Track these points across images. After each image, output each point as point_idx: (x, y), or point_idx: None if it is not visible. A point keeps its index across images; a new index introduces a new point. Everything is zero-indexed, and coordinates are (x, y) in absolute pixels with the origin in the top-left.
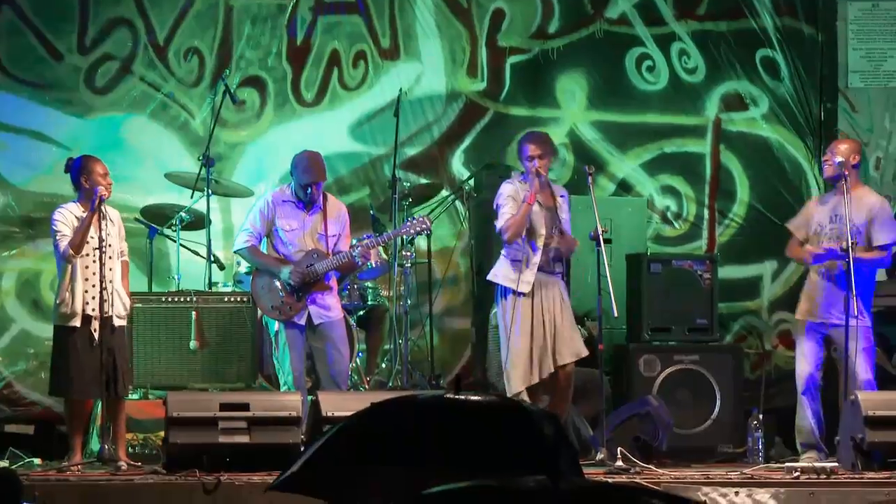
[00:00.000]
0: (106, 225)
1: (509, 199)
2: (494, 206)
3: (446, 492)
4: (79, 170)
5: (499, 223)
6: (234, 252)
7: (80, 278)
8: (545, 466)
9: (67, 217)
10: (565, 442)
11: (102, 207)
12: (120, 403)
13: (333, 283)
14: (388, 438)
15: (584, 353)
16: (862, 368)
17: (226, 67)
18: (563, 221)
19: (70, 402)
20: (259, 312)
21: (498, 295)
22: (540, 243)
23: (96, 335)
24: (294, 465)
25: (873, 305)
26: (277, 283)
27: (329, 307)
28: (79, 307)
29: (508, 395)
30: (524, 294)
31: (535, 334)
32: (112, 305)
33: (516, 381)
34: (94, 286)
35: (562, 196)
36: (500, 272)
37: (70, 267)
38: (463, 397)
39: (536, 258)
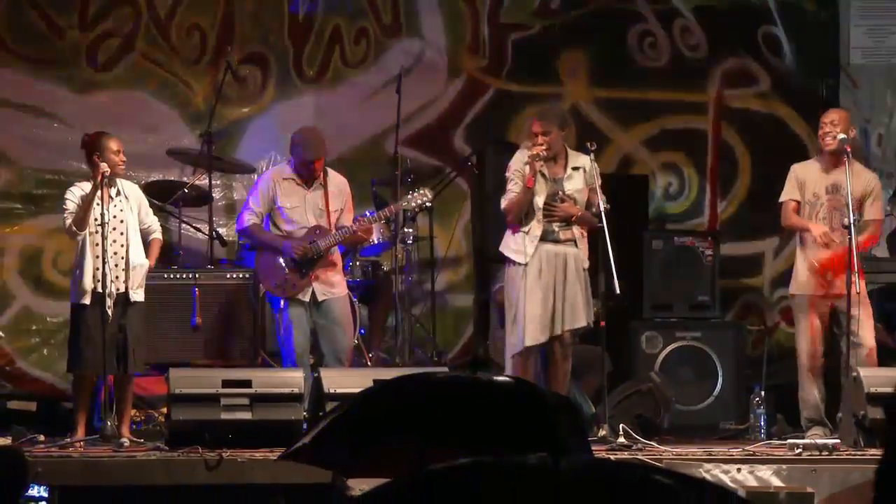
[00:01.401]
0: (120, 201)
1: (516, 173)
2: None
3: (449, 467)
4: (92, 146)
5: (503, 201)
6: (237, 231)
7: (90, 256)
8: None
9: (77, 195)
10: (573, 420)
11: (118, 183)
12: (128, 381)
13: (338, 258)
14: (399, 414)
15: (581, 324)
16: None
17: (228, 44)
18: (577, 192)
19: (78, 377)
20: (262, 289)
21: (505, 265)
22: (539, 215)
23: (110, 312)
24: (306, 437)
25: (875, 282)
26: (281, 261)
27: (333, 284)
28: (88, 284)
29: (507, 368)
30: (525, 264)
31: (534, 305)
32: (126, 280)
33: (509, 350)
34: (104, 262)
35: (575, 169)
36: (506, 243)
37: (80, 244)
38: (476, 377)
39: (537, 230)
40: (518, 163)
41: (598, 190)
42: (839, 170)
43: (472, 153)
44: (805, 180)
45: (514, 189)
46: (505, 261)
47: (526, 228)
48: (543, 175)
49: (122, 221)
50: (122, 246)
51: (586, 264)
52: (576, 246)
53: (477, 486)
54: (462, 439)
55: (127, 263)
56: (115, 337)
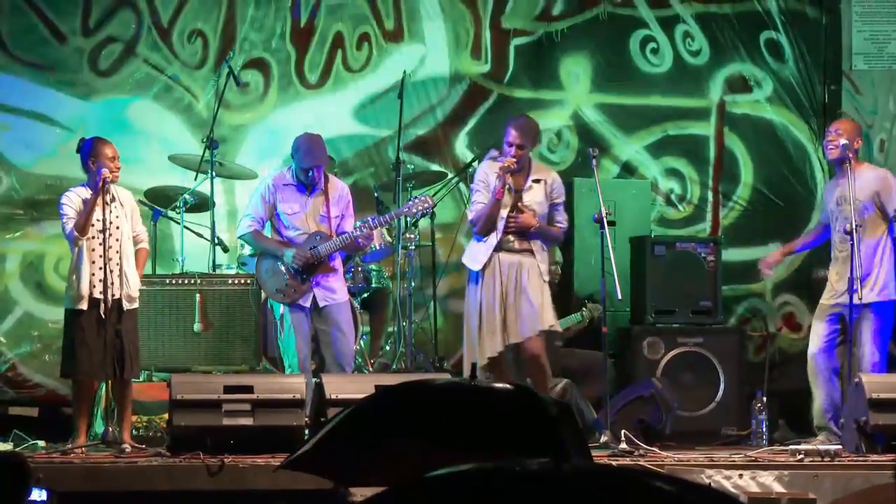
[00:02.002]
0: (115, 207)
1: (481, 184)
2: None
3: (450, 473)
4: (88, 152)
5: (470, 212)
6: (238, 238)
7: (87, 261)
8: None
9: (74, 200)
10: (573, 427)
11: (112, 189)
12: (127, 386)
13: (338, 264)
14: (400, 420)
15: (537, 330)
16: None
17: (230, 49)
18: (536, 203)
19: (77, 383)
20: (263, 295)
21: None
22: (500, 225)
23: (104, 316)
24: (306, 445)
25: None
26: (282, 267)
27: (334, 290)
28: (85, 290)
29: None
30: (482, 272)
31: (489, 315)
32: (121, 287)
33: (467, 361)
34: (100, 269)
35: (536, 181)
36: (467, 253)
37: (77, 250)
38: (476, 383)
39: (494, 238)
40: (484, 174)
41: (562, 207)
42: (845, 179)
43: (475, 159)
44: (827, 200)
45: (481, 200)
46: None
47: (485, 238)
48: (508, 188)
49: (117, 228)
50: (117, 252)
51: (546, 276)
52: (532, 256)
53: (478, 491)
54: (463, 445)
55: (121, 270)
56: (112, 342)
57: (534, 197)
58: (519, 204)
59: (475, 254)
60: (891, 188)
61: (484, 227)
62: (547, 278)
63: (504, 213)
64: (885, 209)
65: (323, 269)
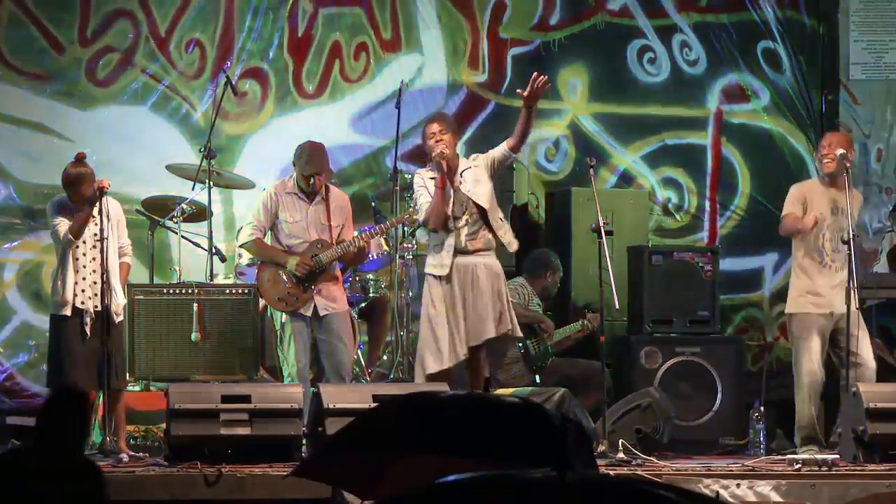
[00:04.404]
0: (102, 220)
1: (422, 189)
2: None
3: (455, 482)
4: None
5: (421, 214)
6: (240, 246)
7: (71, 269)
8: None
9: (63, 207)
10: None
11: (103, 200)
12: (117, 395)
13: (339, 273)
14: (407, 431)
15: (489, 335)
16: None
17: (227, 59)
18: (478, 184)
19: None
20: (262, 304)
21: (425, 284)
22: (451, 225)
23: (87, 329)
24: (313, 453)
25: (875, 298)
26: (283, 275)
27: (335, 298)
28: (69, 297)
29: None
30: (441, 277)
31: (448, 320)
32: (109, 300)
33: (421, 369)
34: (84, 279)
35: (466, 170)
36: (427, 263)
37: (63, 255)
38: (484, 395)
39: (451, 239)
40: (421, 179)
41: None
42: (839, 190)
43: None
44: (810, 198)
45: (426, 200)
46: (425, 278)
47: (439, 241)
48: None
49: (104, 239)
50: (101, 264)
51: (502, 276)
52: (483, 254)
53: (482, 498)
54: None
55: (108, 283)
56: (95, 352)
57: (471, 184)
58: (465, 202)
59: (436, 260)
60: (859, 208)
61: (437, 221)
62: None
63: (451, 214)
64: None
65: (324, 277)
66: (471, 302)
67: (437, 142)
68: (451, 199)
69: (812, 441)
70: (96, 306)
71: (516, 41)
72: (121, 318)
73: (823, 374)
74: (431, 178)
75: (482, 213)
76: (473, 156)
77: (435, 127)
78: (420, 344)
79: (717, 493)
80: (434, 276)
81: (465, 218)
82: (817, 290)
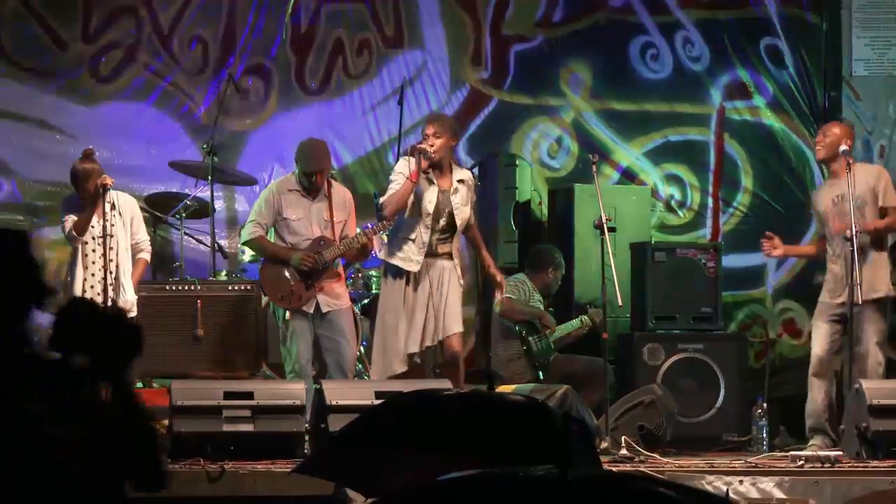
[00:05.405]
0: (113, 216)
1: (398, 174)
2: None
3: (456, 479)
4: (74, 183)
5: (383, 197)
6: (243, 244)
7: (80, 266)
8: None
9: (73, 206)
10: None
11: (113, 196)
12: None
13: (342, 270)
14: (409, 429)
15: (452, 332)
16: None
17: (230, 56)
18: (462, 205)
19: None
20: (264, 300)
21: (385, 274)
22: (428, 222)
23: None
24: (316, 450)
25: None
26: (286, 272)
27: (338, 295)
28: (78, 293)
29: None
30: (405, 273)
31: (416, 317)
32: (117, 298)
33: (385, 367)
34: (93, 275)
35: (460, 181)
36: (390, 251)
37: (73, 255)
38: (488, 393)
39: (425, 236)
40: (403, 165)
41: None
42: (842, 178)
43: (474, 165)
44: (816, 201)
45: (394, 187)
46: (386, 268)
47: (413, 236)
48: (431, 181)
49: (111, 236)
50: (111, 261)
51: (462, 281)
52: (451, 259)
53: (485, 496)
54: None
55: (117, 281)
56: None
57: (460, 199)
58: (449, 208)
59: (405, 253)
60: (883, 181)
61: (394, 208)
62: (462, 283)
63: (431, 207)
64: (883, 201)
65: (327, 274)
66: (438, 301)
67: (430, 145)
68: (437, 200)
69: (817, 432)
70: (105, 303)
71: (519, 37)
72: (132, 314)
73: (833, 362)
74: (409, 157)
75: (453, 230)
76: (469, 172)
77: (430, 129)
78: (381, 342)
79: (727, 491)
80: (400, 269)
81: (442, 221)
82: (830, 279)
